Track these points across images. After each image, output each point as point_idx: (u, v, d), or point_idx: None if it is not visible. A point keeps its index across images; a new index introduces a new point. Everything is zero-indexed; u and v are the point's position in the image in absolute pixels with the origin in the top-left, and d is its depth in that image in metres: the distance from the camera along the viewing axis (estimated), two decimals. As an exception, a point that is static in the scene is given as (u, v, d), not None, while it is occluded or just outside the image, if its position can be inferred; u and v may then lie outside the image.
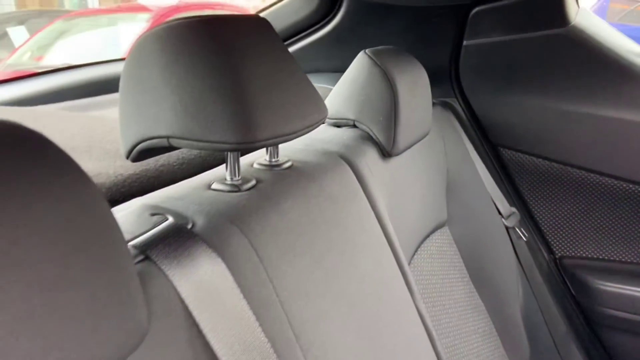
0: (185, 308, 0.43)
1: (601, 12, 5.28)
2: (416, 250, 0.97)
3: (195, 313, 0.43)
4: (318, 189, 0.67)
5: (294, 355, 0.52)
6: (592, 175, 1.22)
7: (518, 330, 1.16)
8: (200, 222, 0.51)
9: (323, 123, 0.65)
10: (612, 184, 1.21)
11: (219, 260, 0.46)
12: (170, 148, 0.53)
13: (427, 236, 1.02)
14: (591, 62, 1.16)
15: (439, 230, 1.07)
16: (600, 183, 1.23)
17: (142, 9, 3.87)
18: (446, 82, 1.31)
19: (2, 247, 0.27)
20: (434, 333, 0.83)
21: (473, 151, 1.25)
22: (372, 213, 0.77)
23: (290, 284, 0.55)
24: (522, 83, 1.25)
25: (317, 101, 0.59)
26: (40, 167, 0.30)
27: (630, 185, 1.19)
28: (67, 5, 8.34)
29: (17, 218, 0.28)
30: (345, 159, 0.77)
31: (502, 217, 1.22)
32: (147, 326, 0.35)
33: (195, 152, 0.77)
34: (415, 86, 0.91)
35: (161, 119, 0.51)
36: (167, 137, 0.51)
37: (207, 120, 0.49)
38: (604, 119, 1.17)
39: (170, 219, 0.49)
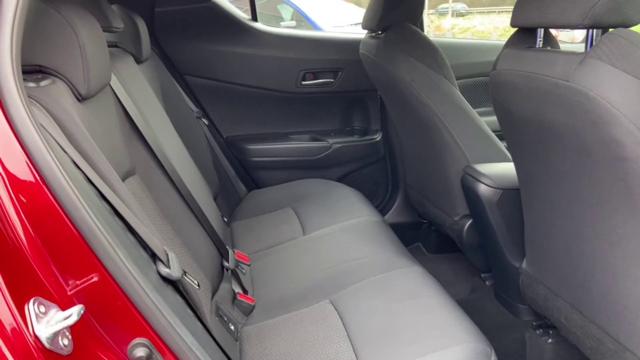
0: None
1: None
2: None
3: None
4: None
5: None
6: (238, 87, 2.24)
7: (212, 178, 2.08)
8: None
9: None
10: (248, 91, 2.26)
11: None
12: None
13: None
14: (224, 20, 2.17)
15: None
16: (243, 91, 2.26)
17: None
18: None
19: None
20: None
21: (172, 78, 2.09)
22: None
23: None
24: (195, 35, 2.16)
25: None
26: None
27: (256, 90, 2.26)
28: None
29: None
30: None
31: (194, 112, 2.12)
32: None
33: None
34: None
35: None
36: None
37: None
38: (234, 53, 2.20)
39: None
